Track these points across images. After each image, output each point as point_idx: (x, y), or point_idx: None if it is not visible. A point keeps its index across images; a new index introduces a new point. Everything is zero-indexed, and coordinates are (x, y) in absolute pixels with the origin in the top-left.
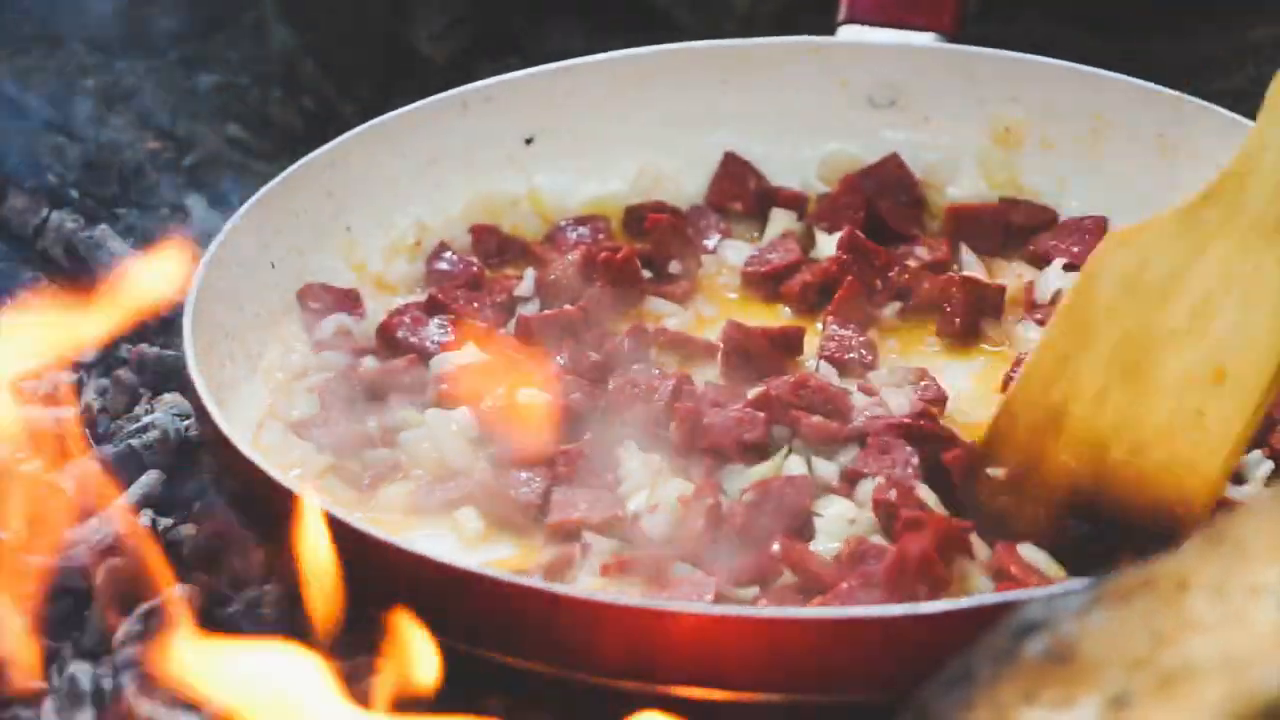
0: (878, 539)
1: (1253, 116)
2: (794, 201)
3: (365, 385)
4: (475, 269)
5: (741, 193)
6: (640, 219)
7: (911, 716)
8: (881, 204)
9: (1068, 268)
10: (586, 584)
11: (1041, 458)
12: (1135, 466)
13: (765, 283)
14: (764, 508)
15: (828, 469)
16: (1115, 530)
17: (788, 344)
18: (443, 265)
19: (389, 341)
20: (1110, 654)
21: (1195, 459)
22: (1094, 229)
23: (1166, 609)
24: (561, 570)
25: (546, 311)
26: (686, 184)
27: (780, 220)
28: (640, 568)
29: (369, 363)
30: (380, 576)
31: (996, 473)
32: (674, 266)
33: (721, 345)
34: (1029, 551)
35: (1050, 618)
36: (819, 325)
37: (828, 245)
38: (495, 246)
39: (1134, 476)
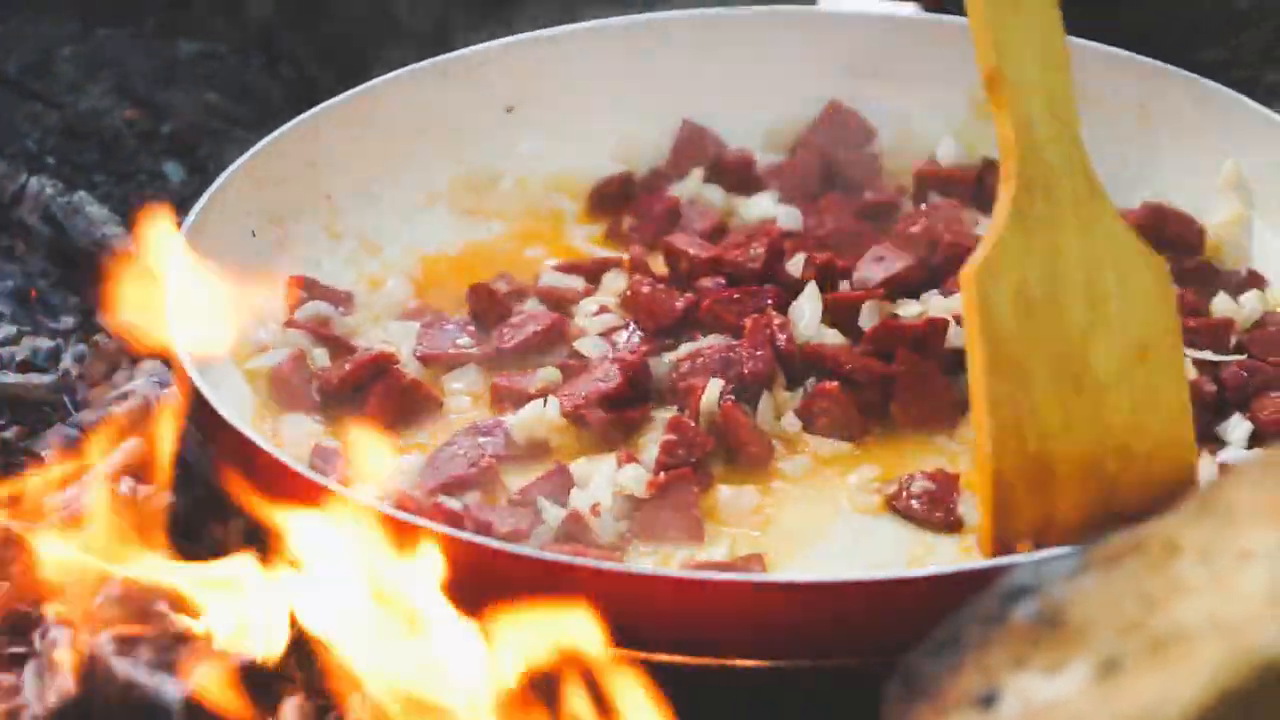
0: None
1: (1236, 86)
2: (740, 165)
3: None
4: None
5: (701, 159)
6: (608, 199)
7: (900, 680)
8: (840, 155)
9: None
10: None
11: (1053, 507)
12: (1131, 469)
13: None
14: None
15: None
16: None
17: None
18: (442, 333)
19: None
20: (1100, 618)
21: (1173, 432)
22: None
23: (1156, 573)
24: (520, 538)
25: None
26: (667, 153)
27: (760, 206)
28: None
29: (320, 356)
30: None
31: (1025, 545)
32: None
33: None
34: None
35: (1040, 582)
36: None
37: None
38: (491, 307)
39: (1135, 479)
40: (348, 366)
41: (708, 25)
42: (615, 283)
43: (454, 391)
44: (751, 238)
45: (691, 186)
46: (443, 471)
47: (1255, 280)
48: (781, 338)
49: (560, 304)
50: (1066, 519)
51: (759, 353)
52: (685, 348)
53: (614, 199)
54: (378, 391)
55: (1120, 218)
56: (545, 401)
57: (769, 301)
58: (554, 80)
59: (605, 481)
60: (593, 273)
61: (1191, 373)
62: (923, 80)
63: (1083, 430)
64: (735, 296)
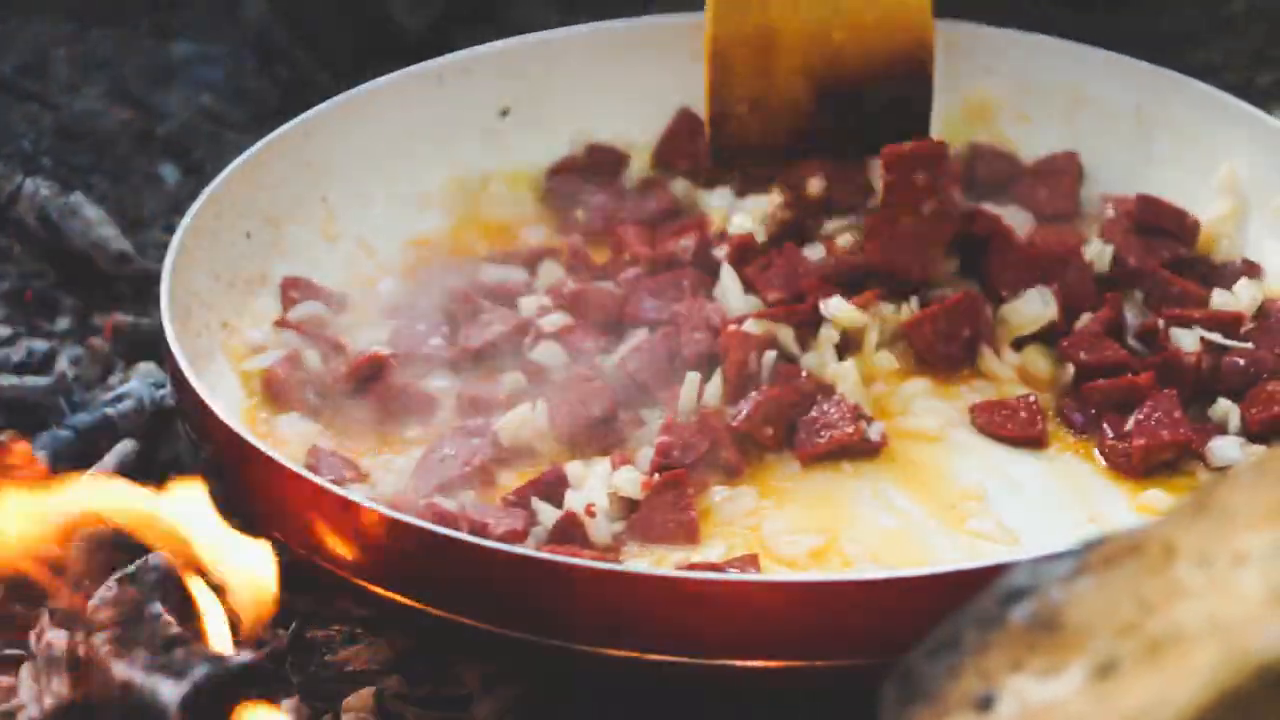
0: None
1: (1229, 88)
2: None
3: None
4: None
5: (690, 151)
6: (561, 186)
7: (897, 682)
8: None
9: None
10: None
11: (771, 75)
12: (858, 38)
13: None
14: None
15: None
16: (866, 103)
17: None
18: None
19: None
20: (1098, 620)
21: (905, 4)
22: (1067, 167)
23: (1154, 575)
24: (516, 539)
25: None
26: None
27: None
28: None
29: (312, 357)
30: (357, 541)
31: (742, 107)
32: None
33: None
34: None
35: (1037, 584)
36: None
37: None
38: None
39: (862, 47)
40: (344, 367)
41: (702, 29)
42: (552, 272)
43: (435, 391)
44: (686, 228)
45: (637, 173)
46: (436, 473)
47: (1250, 269)
48: (716, 319)
49: (510, 299)
50: (786, 86)
51: (697, 335)
52: (624, 346)
53: (568, 185)
54: (373, 392)
55: None
56: (534, 406)
57: (685, 283)
58: (550, 84)
59: (600, 483)
60: (529, 262)
61: (1196, 346)
62: None
63: (809, 5)
64: (655, 289)
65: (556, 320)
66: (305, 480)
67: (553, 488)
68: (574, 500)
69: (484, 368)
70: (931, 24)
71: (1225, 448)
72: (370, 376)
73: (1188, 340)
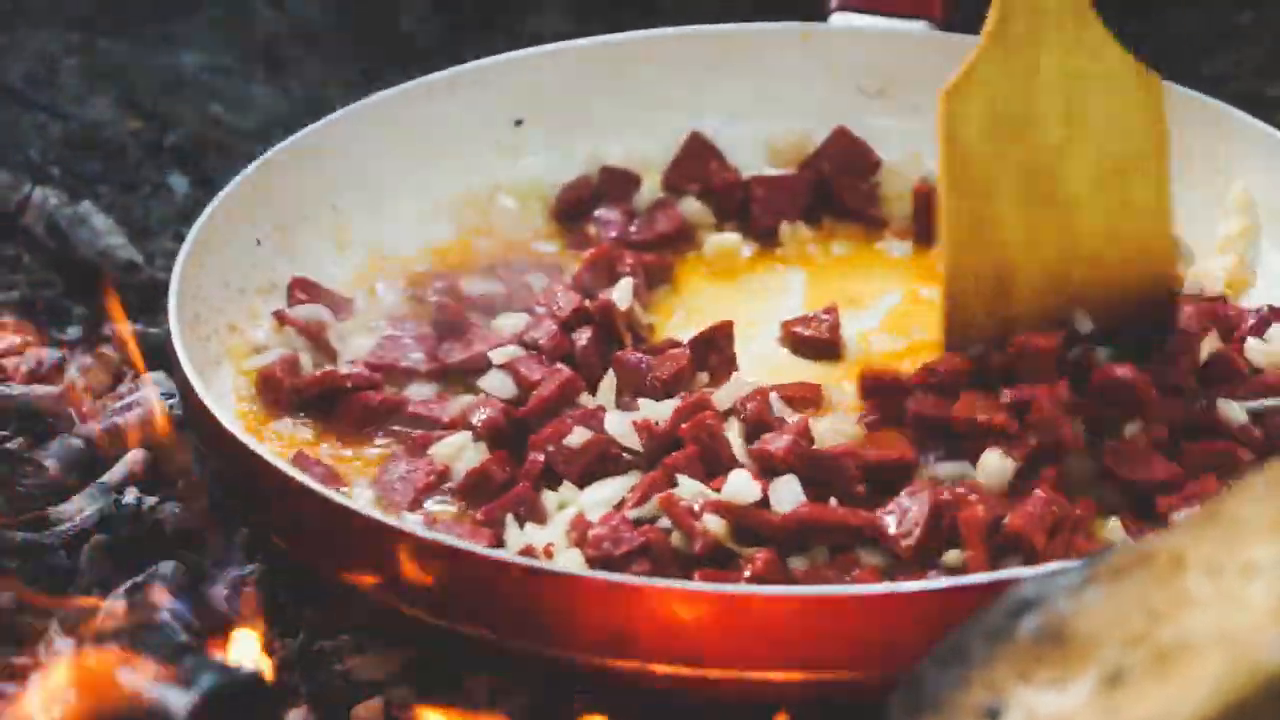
0: None
1: (1237, 100)
2: (733, 188)
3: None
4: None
5: (700, 175)
6: (573, 203)
7: (905, 693)
8: (840, 181)
9: None
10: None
11: (1013, 321)
12: (1101, 276)
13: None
14: None
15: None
16: (1114, 335)
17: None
18: (398, 345)
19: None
20: (1106, 631)
21: (1147, 239)
22: None
23: (1162, 586)
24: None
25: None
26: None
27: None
28: None
29: (306, 361)
30: (360, 551)
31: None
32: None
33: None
34: None
35: (1045, 596)
36: None
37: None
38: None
39: (1103, 285)
40: (317, 374)
41: (716, 41)
42: (539, 283)
43: (415, 404)
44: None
45: (648, 195)
46: (400, 490)
47: (1277, 315)
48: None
49: (491, 315)
50: (1025, 316)
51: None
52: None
53: (579, 204)
54: (341, 403)
55: (1111, 38)
56: (473, 435)
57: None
58: (564, 94)
59: (560, 528)
60: (513, 278)
61: (1243, 419)
62: (930, 98)
63: (1048, 243)
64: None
65: (509, 351)
66: (307, 488)
67: (529, 509)
68: (536, 536)
69: (454, 386)
70: (1177, 262)
71: None
72: (331, 390)
73: (1235, 412)
